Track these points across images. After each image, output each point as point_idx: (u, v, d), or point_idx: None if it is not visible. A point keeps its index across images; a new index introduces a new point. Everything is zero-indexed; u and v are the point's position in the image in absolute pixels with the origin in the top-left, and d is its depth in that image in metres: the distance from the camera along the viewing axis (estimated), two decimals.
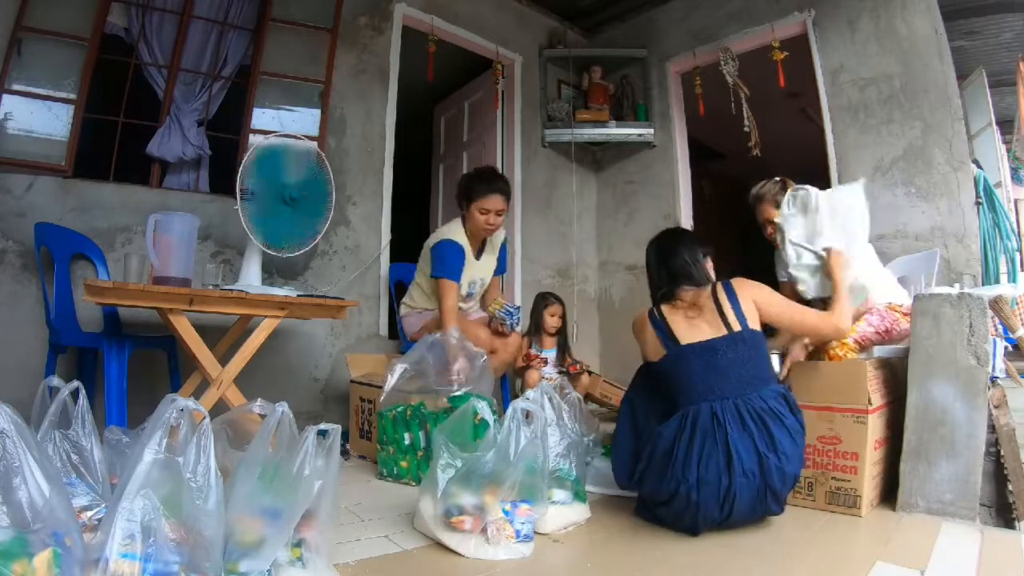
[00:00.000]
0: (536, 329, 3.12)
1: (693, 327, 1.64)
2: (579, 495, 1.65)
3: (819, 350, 2.12)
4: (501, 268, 2.77)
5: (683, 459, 1.48)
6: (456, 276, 2.43)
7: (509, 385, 2.99)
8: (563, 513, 1.58)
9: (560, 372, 2.98)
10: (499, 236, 2.66)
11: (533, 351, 2.99)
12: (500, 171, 3.12)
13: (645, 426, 1.66)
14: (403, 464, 2.01)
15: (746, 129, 3.45)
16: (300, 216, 2.24)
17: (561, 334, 3.13)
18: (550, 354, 3.07)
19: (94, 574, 0.90)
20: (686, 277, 1.68)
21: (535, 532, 1.46)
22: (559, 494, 1.59)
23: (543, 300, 3.15)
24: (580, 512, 1.64)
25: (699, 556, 1.44)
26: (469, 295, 2.63)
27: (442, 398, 2.00)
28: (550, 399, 1.68)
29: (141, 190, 2.69)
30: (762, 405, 1.52)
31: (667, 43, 3.97)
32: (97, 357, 2.17)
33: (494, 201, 2.40)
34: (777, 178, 2.30)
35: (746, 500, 1.49)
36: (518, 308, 2.71)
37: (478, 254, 2.59)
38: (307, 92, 3.06)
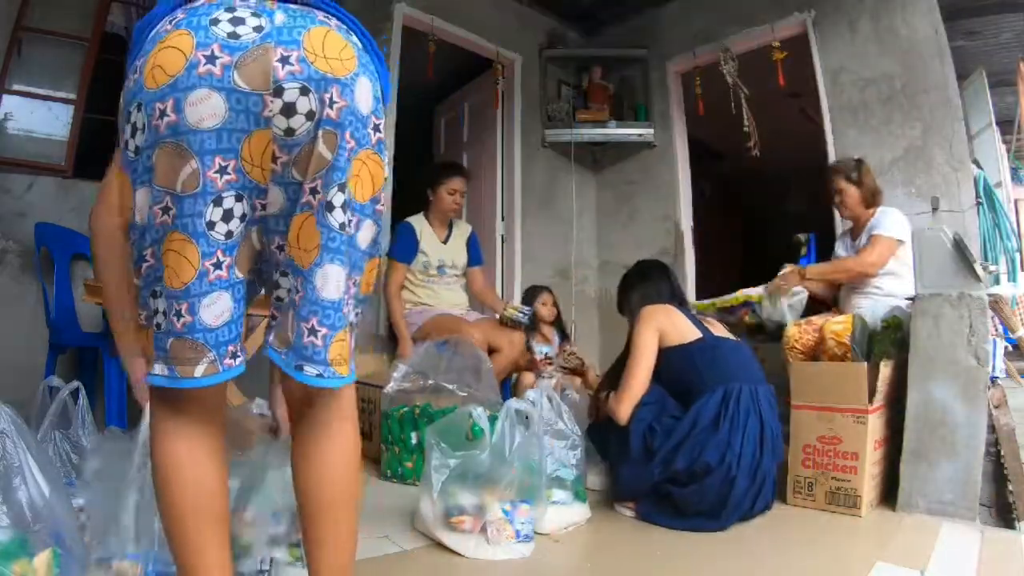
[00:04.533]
0: (532, 323, 3.12)
1: (712, 326, 1.84)
2: (579, 495, 1.65)
3: (818, 350, 2.14)
4: (477, 259, 2.96)
5: (729, 429, 1.57)
6: (402, 257, 2.72)
7: (511, 386, 2.99)
8: (563, 513, 1.58)
9: (563, 369, 2.98)
10: (465, 228, 2.95)
11: (537, 353, 2.97)
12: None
13: (668, 423, 1.66)
14: (408, 464, 2.01)
15: (746, 129, 3.45)
16: None
17: (557, 322, 3.15)
18: (551, 350, 3.05)
19: (96, 573, 0.90)
20: (683, 298, 1.96)
21: (535, 532, 1.46)
22: (559, 494, 1.59)
23: (532, 292, 3.19)
24: (580, 512, 1.64)
25: (699, 556, 1.44)
26: (441, 272, 2.81)
27: (449, 397, 2.01)
28: (550, 399, 1.69)
29: None
30: (770, 397, 1.69)
31: (667, 43, 3.96)
32: (97, 357, 2.17)
33: (459, 182, 2.79)
34: (855, 157, 2.59)
35: (771, 481, 1.64)
36: (531, 309, 2.82)
37: (445, 239, 2.84)
38: None
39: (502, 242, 3.94)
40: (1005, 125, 4.18)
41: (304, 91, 0.70)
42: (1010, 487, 1.71)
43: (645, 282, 1.95)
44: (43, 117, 2.50)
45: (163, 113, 0.67)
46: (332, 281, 0.73)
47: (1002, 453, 1.73)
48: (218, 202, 0.70)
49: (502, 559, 1.35)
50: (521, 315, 2.69)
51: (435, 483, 1.43)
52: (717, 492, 1.55)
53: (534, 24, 4.15)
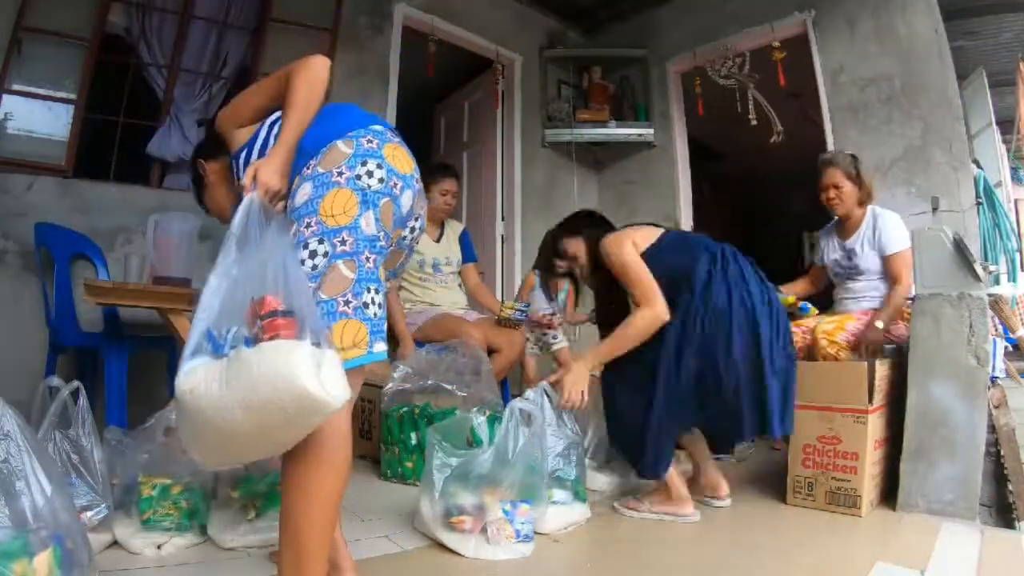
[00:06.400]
0: (547, 268, 2.95)
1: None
2: (579, 495, 1.65)
3: (812, 350, 2.15)
4: (471, 256, 2.96)
5: (723, 276, 1.64)
6: None
7: (509, 386, 2.98)
8: (563, 513, 1.58)
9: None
10: (457, 226, 2.97)
11: (542, 312, 2.82)
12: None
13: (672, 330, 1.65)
14: (408, 464, 2.01)
15: (753, 123, 3.44)
16: None
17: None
18: (559, 305, 2.91)
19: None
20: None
21: (535, 532, 1.46)
22: (559, 494, 1.59)
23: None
24: (580, 512, 1.64)
25: (698, 555, 1.44)
26: (436, 271, 2.82)
27: (448, 397, 2.01)
28: (549, 398, 1.68)
29: (141, 190, 2.69)
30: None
31: (667, 43, 3.96)
32: (97, 357, 2.17)
33: (450, 183, 2.81)
34: (850, 152, 2.48)
35: (766, 331, 1.59)
36: (528, 306, 2.78)
37: (438, 238, 2.86)
38: None
39: (502, 242, 3.94)
40: (1005, 125, 4.18)
41: (418, 226, 1.17)
42: (1010, 487, 1.71)
43: (582, 228, 1.91)
44: (43, 117, 2.50)
45: (396, 185, 1.06)
46: None
47: (1002, 453, 1.73)
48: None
49: (502, 559, 1.35)
50: (518, 313, 2.69)
51: (436, 483, 1.43)
52: (746, 337, 1.57)
53: (534, 24, 4.15)
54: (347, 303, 0.97)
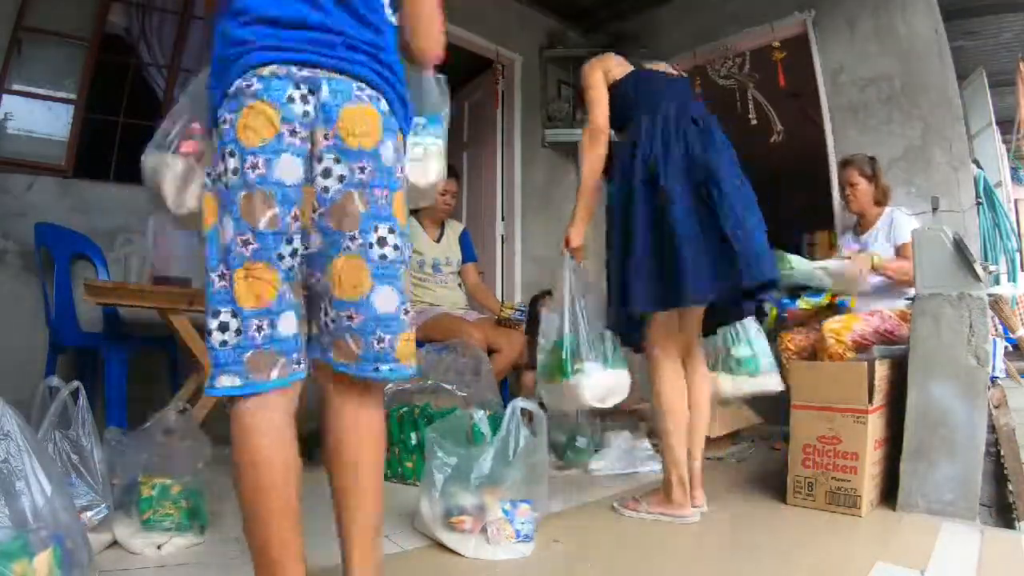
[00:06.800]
0: (535, 329, 3.11)
1: (656, 66, 1.93)
2: (616, 361, 1.65)
3: (817, 349, 2.15)
4: (471, 255, 2.98)
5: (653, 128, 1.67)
6: None
7: (509, 386, 2.98)
8: (599, 379, 1.58)
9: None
10: (457, 226, 2.98)
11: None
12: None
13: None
14: (408, 464, 2.01)
15: (753, 122, 3.44)
16: None
17: None
18: None
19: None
20: None
21: (586, 386, 1.55)
22: (590, 365, 1.60)
23: (539, 299, 3.15)
24: (620, 377, 1.63)
25: (698, 556, 1.44)
26: (436, 271, 2.83)
27: (448, 397, 2.02)
28: (574, 272, 1.83)
29: (141, 190, 2.67)
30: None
31: (667, 43, 3.95)
32: (97, 357, 2.17)
33: (450, 183, 2.78)
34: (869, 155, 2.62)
35: (725, 164, 1.63)
36: (527, 306, 2.83)
37: (438, 238, 2.87)
38: None
39: (502, 242, 3.94)
40: (1005, 125, 4.18)
41: (337, 160, 0.88)
42: (1010, 487, 1.71)
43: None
44: (43, 117, 2.50)
45: (255, 166, 0.85)
46: (388, 300, 0.92)
47: (1002, 453, 1.73)
48: (289, 241, 0.88)
49: (502, 559, 1.35)
50: (518, 314, 2.70)
51: (436, 483, 1.43)
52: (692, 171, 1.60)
53: (534, 24, 4.15)
54: (209, 332, 0.86)
